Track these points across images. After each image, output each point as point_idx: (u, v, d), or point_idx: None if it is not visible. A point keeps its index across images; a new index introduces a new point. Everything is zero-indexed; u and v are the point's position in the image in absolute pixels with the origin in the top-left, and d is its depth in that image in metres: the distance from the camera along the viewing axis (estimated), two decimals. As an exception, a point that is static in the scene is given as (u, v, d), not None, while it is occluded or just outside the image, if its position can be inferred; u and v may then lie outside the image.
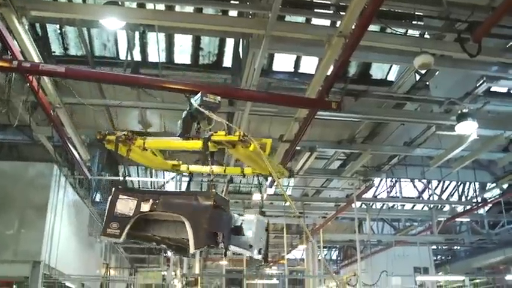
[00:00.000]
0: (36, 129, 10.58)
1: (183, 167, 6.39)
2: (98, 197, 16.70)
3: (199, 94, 5.21)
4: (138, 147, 5.36)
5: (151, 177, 15.72)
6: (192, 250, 5.06)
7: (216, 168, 6.34)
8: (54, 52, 9.76)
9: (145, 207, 5.23)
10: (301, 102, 8.07)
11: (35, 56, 7.37)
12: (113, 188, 5.24)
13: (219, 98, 5.44)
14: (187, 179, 16.06)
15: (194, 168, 6.45)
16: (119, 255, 21.28)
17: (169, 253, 15.24)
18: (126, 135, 5.34)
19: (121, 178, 6.51)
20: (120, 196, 5.30)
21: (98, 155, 14.65)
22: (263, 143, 5.83)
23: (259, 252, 5.85)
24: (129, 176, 17.00)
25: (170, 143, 5.54)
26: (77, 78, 7.61)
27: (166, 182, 15.36)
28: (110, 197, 5.19)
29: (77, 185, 13.85)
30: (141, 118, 11.70)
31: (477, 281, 24.85)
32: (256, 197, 14.41)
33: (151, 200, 5.32)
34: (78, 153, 11.61)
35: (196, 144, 5.17)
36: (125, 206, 5.34)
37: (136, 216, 5.19)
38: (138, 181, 17.89)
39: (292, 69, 10.48)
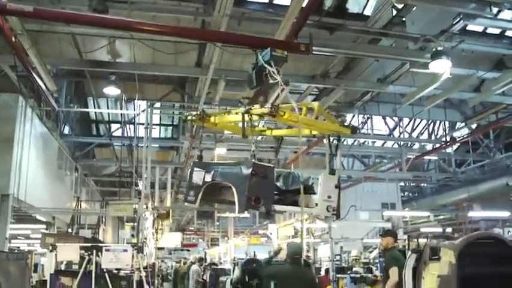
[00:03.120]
0: (-2, 58, 10.08)
1: (268, 132, 7.21)
2: (66, 130, 16.38)
3: (268, 49, 5.62)
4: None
5: (121, 109, 15.40)
6: (237, 213, 6.54)
7: (277, 132, 7.45)
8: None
9: (208, 177, 6.20)
10: (269, 44, 7.81)
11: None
12: (192, 161, 6.60)
13: (285, 52, 5.81)
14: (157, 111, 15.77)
15: (278, 132, 7.53)
16: (90, 188, 21.26)
17: (140, 186, 15.30)
18: (198, 114, 6.23)
19: (198, 153, 7.27)
20: (195, 168, 6.25)
21: (65, 86, 14.20)
22: (312, 107, 6.30)
23: (328, 210, 6.19)
24: (99, 107, 16.64)
25: (233, 118, 6.26)
26: (46, 18, 7.32)
27: (137, 114, 15.11)
28: (190, 169, 6.25)
29: (44, 117, 13.48)
30: (110, 48, 11.24)
31: (441, 217, 26.02)
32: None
33: (212, 171, 6.28)
34: (44, 84, 11.20)
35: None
36: (198, 177, 6.33)
37: (205, 186, 6.15)
38: (108, 113, 17.58)
39: (266, 0, 10.10)
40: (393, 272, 6.50)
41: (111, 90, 12.65)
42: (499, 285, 3.12)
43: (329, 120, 6.52)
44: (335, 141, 7.07)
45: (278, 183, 7.16)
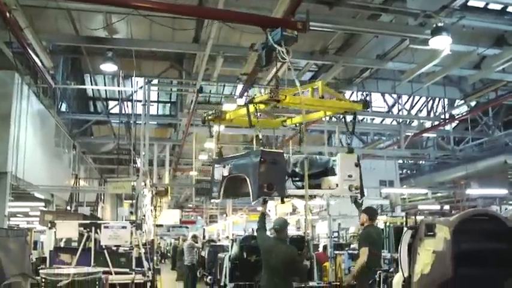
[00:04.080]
0: (-8, 34, 9.95)
1: (289, 121, 7.66)
2: (63, 107, 16.28)
3: (278, 29, 5.71)
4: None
5: (118, 86, 15.29)
6: (252, 202, 6.39)
7: (297, 119, 7.70)
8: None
9: (225, 172, 6.54)
10: (266, 22, 7.70)
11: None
12: (212, 159, 7.14)
13: (296, 32, 5.87)
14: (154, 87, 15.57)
15: (298, 119, 7.71)
16: (88, 166, 21.25)
17: (138, 163, 15.31)
18: (214, 113, 6.81)
19: (217, 149, 7.74)
20: (216, 165, 6.64)
21: (61, 63, 14.07)
22: (316, 86, 6.53)
23: (350, 189, 6.33)
24: (96, 84, 16.52)
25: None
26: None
27: (135, 91, 15.01)
28: (212, 167, 6.75)
29: (41, 94, 13.38)
30: (106, 24, 11.11)
31: (439, 194, 26.15)
32: (226, 107, 14.26)
33: (228, 166, 6.65)
34: (40, 61, 11.07)
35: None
36: (218, 173, 6.70)
37: (224, 181, 6.51)
38: (105, 90, 17.46)
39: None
40: (363, 252, 6.49)
41: (108, 67, 12.54)
42: (494, 261, 3.13)
43: (337, 97, 6.56)
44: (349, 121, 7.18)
45: (297, 169, 7.34)
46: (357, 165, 6.78)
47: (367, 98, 17.80)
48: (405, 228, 3.62)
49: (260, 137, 6.17)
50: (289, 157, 7.24)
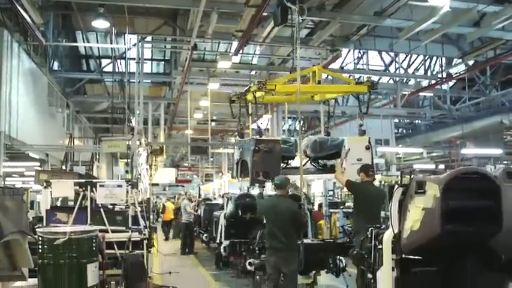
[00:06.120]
0: (-22, -12, 9.65)
1: (317, 97, 7.96)
2: (55, 66, 16.03)
3: None
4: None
5: (111, 43, 15.01)
6: (250, 186, 7.74)
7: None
8: None
9: (237, 155, 7.41)
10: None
11: None
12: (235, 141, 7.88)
13: None
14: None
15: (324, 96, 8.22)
16: (82, 125, 21.15)
17: (133, 122, 15.25)
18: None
19: (239, 130, 8.66)
20: (236, 147, 7.34)
21: (52, 20, 13.75)
22: (313, 71, 6.75)
23: (358, 174, 6.49)
24: (88, 42, 16.21)
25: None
26: None
27: (128, 49, 14.75)
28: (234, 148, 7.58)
29: (32, 52, 13.14)
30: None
31: (434, 154, 26.29)
32: (221, 64, 14.10)
33: (239, 149, 7.31)
34: (30, 17, 10.79)
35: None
36: (236, 154, 7.51)
37: (239, 163, 7.32)
38: (98, 48, 17.15)
39: None
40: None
41: (100, 24, 12.24)
42: (482, 217, 3.16)
43: (342, 79, 6.72)
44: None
45: (308, 151, 7.53)
46: (368, 148, 6.84)
47: (364, 56, 17.65)
48: (396, 186, 3.62)
49: (251, 122, 6.67)
50: (296, 140, 7.71)
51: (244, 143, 7.35)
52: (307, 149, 7.84)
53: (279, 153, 6.87)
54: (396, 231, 3.47)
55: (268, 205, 6.49)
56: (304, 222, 6.64)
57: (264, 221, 7.62)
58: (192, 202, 16.50)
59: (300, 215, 6.34)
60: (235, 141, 7.36)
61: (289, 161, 7.87)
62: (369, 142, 7.01)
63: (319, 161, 8.29)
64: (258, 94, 6.92)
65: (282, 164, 7.25)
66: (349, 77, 18.93)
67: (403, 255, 3.45)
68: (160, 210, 21.47)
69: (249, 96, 6.90)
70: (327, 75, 11.97)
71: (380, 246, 3.80)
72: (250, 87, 7.21)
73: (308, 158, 8.01)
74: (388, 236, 3.59)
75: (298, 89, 6.03)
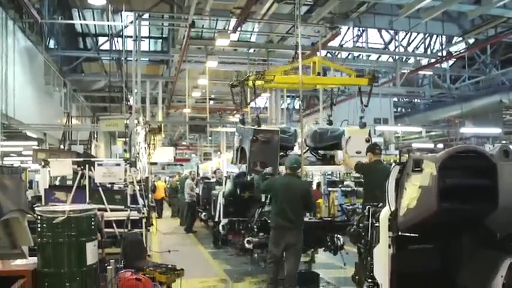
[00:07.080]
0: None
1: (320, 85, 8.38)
2: (52, 44, 15.85)
3: None
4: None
5: (107, 21, 14.82)
6: (247, 175, 7.50)
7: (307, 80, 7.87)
8: None
9: (237, 142, 7.43)
10: None
11: None
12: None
13: None
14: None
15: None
16: (80, 104, 21.03)
17: (131, 101, 15.16)
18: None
19: (240, 117, 8.36)
20: (236, 133, 7.39)
21: (47, -4, 13.53)
22: (313, 61, 6.82)
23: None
24: (85, 19, 16.00)
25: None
26: None
27: (125, 27, 14.57)
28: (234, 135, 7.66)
29: (28, 30, 12.98)
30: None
31: (433, 133, 26.26)
32: (219, 42, 13.96)
33: (239, 137, 7.33)
34: (24, -7, 10.65)
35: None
36: (236, 141, 7.48)
37: (238, 150, 7.37)
38: (95, 26, 16.95)
39: None
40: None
41: (97, 1, 12.10)
42: (478, 196, 3.17)
43: (343, 71, 6.77)
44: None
45: (307, 141, 7.55)
46: (368, 140, 6.83)
47: (363, 34, 17.47)
48: (393, 164, 3.62)
49: (247, 113, 6.77)
50: (295, 130, 7.80)
51: (244, 131, 7.32)
52: (307, 138, 7.85)
53: (277, 144, 6.90)
54: (393, 209, 3.48)
55: (283, 182, 6.45)
56: (312, 201, 6.74)
57: (263, 200, 7.67)
58: (193, 180, 16.56)
59: (310, 194, 6.50)
60: (236, 127, 7.37)
61: (288, 151, 7.88)
62: (369, 135, 6.99)
63: (319, 151, 8.33)
64: (258, 82, 6.89)
65: (280, 153, 7.29)
66: (348, 55, 18.86)
67: (400, 233, 3.47)
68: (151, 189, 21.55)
69: (249, 84, 6.91)
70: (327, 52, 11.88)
71: (377, 224, 3.83)
72: (248, 76, 7.16)
73: (308, 148, 8.01)
74: (384, 214, 3.61)
75: (300, 80, 6.02)
